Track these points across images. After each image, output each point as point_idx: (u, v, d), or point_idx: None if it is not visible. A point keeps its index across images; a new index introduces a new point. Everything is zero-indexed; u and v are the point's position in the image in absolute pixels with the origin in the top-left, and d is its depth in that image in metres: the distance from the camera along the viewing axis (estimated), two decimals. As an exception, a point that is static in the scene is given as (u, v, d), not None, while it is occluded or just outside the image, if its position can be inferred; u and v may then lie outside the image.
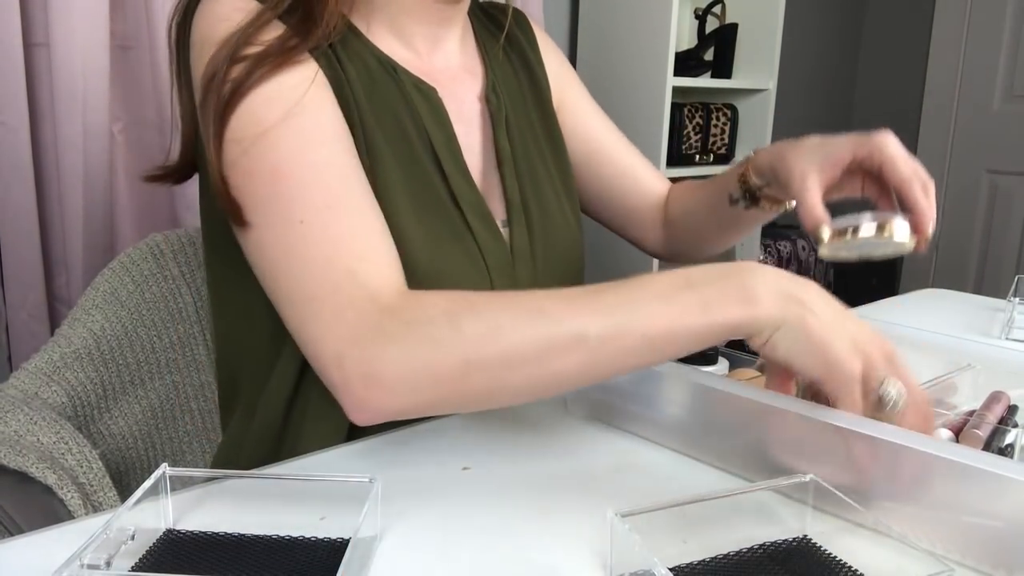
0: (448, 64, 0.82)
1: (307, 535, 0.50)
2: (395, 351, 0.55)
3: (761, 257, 2.46)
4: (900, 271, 3.15)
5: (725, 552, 0.49)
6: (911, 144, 3.08)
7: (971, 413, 0.61)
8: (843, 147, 0.67)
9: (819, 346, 0.52)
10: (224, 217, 0.64)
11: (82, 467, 0.72)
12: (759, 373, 0.66)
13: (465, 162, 0.76)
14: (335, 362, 0.56)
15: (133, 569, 0.46)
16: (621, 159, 0.97)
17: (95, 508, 0.70)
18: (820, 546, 0.50)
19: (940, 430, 0.59)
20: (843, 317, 0.54)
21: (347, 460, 0.62)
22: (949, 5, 2.94)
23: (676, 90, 2.10)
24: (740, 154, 2.41)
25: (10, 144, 1.27)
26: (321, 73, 0.67)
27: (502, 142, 0.81)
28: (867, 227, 0.60)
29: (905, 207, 0.64)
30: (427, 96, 0.76)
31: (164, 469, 0.51)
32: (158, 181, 0.75)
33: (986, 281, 2.92)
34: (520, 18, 0.94)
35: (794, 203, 0.71)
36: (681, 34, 2.41)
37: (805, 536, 0.51)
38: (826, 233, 0.62)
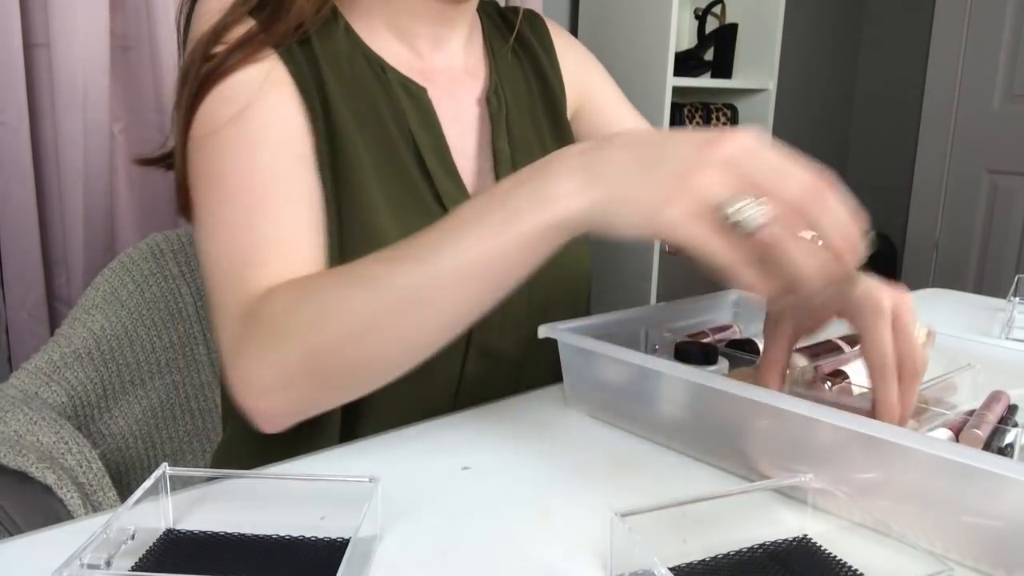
0: (450, 64, 0.81)
1: (307, 535, 0.50)
2: (250, 355, 0.55)
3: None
4: (900, 271, 3.15)
5: (725, 552, 0.49)
6: (911, 145, 3.08)
7: (971, 413, 0.61)
8: (830, 305, 0.57)
9: (639, 216, 0.45)
10: None
11: (82, 467, 0.72)
12: (759, 373, 0.66)
13: (454, 163, 0.76)
14: (225, 374, 0.58)
15: (133, 569, 0.46)
16: None
17: (95, 508, 0.70)
18: (820, 546, 0.50)
19: (940, 430, 0.59)
20: (657, 153, 0.45)
21: (347, 460, 0.62)
22: (949, 5, 2.94)
23: (676, 90, 2.10)
24: (740, 154, 2.41)
25: (10, 144, 1.27)
26: (279, 70, 0.67)
27: (499, 144, 0.80)
28: None
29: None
30: (415, 96, 0.75)
31: (164, 469, 0.51)
32: (150, 164, 0.76)
33: (986, 281, 2.92)
34: (536, 21, 0.93)
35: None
36: (681, 34, 2.41)
37: (805, 536, 0.51)
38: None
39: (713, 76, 2.34)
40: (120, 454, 0.88)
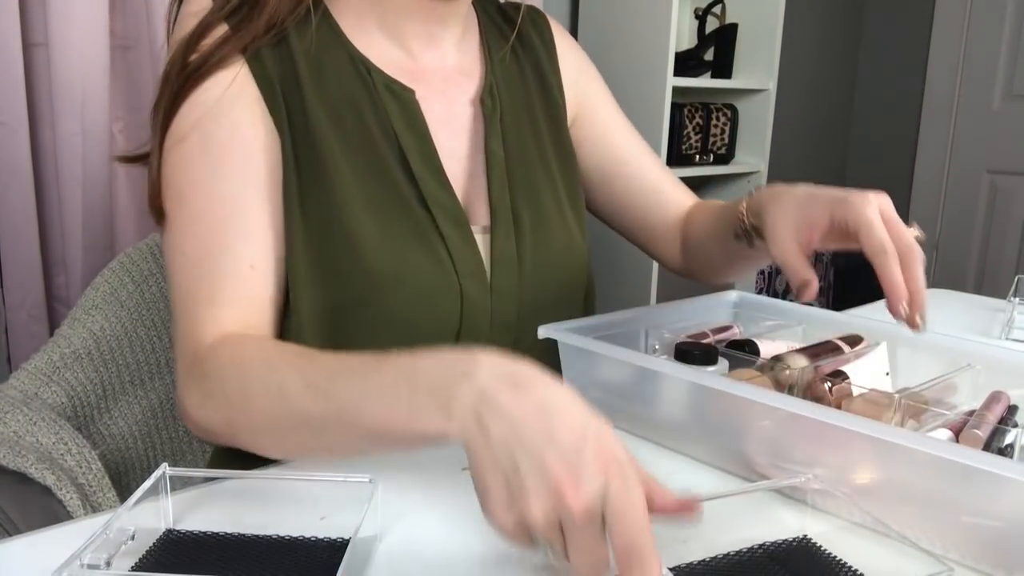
0: (443, 64, 0.80)
1: (307, 535, 0.50)
2: (190, 396, 0.62)
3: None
4: (900, 271, 3.15)
5: (725, 552, 0.49)
6: (911, 145, 3.08)
7: (971, 413, 0.61)
8: (822, 209, 0.63)
9: (478, 481, 0.44)
10: None
11: (81, 468, 0.72)
12: (759, 373, 0.66)
13: (441, 165, 0.75)
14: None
15: (133, 569, 0.46)
16: (644, 173, 0.94)
17: (94, 509, 0.70)
18: (820, 546, 0.50)
19: (940, 430, 0.59)
20: (527, 442, 0.42)
21: (347, 460, 0.62)
22: (949, 5, 2.94)
23: (676, 90, 2.09)
24: (740, 154, 2.41)
25: (9, 144, 1.27)
26: (245, 79, 0.69)
27: (492, 147, 0.79)
28: None
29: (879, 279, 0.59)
30: (401, 98, 0.75)
31: (164, 469, 0.51)
32: (132, 162, 0.76)
33: (986, 281, 2.92)
34: (539, 19, 0.91)
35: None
36: (681, 34, 2.41)
37: (805, 536, 0.51)
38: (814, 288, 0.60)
39: (713, 76, 2.34)
40: (120, 454, 0.88)
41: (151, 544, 0.48)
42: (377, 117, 0.73)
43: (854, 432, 0.50)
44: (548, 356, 0.78)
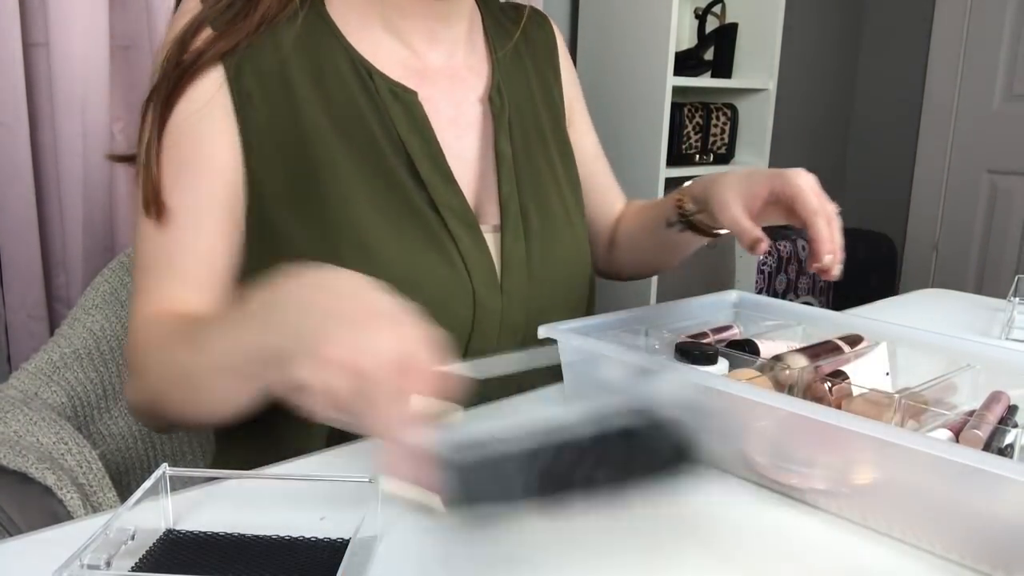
0: (449, 62, 0.80)
1: (307, 535, 0.50)
2: (127, 375, 0.70)
3: (761, 257, 2.46)
4: (900, 271, 3.15)
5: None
6: (911, 144, 3.08)
7: (971, 413, 0.61)
8: (762, 181, 0.71)
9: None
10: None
11: (82, 468, 0.72)
12: (759, 373, 0.66)
13: (449, 167, 0.75)
14: None
15: (133, 569, 0.46)
16: (601, 180, 0.98)
17: (95, 509, 0.70)
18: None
19: (940, 430, 0.59)
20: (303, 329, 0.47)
21: (347, 460, 0.62)
22: (949, 5, 2.94)
23: (676, 90, 2.09)
24: (740, 154, 2.41)
25: (9, 144, 1.27)
26: (221, 93, 0.69)
27: (502, 146, 0.79)
28: None
29: (810, 236, 0.68)
30: (404, 102, 0.74)
31: (164, 469, 0.51)
32: (124, 162, 0.78)
33: (986, 281, 2.92)
34: (544, 21, 0.92)
35: (724, 231, 0.78)
36: (681, 34, 2.41)
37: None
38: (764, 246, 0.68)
39: (713, 76, 2.34)
40: (120, 454, 0.88)
41: (151, 544, 0.48)
42: (381, 122, 0.73)
43: (854, 432, 0.50)
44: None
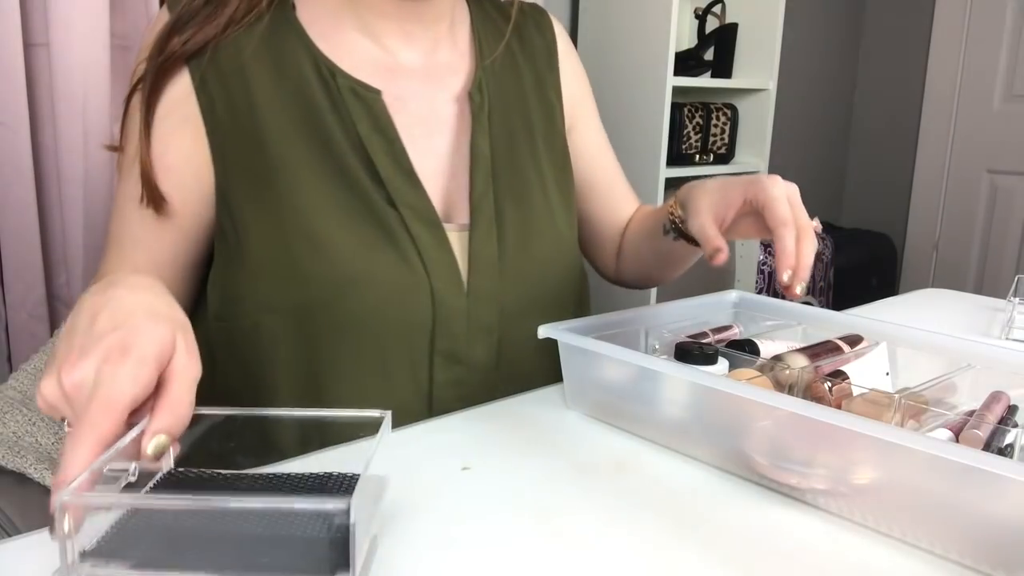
0: (425, 61, 0.80)
1: (314, 471, 0.49)
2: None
3: (761, 257, 2.46)
4: (900, 271, 3.15)
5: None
6: (911, 144, 3.08)
7: (971, 413, 0.61)
8: (738, 188, 0.69)
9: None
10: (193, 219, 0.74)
11: (82, 467, 0.72)
12: (759, 373, 0.66)
13: (411, 166, 0.75)
14: None
15: (132, 490, 0.45)
16: (612, 186, 0.96)
17: (95, 508, 0.70)
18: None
19: (940, 430, 0.59)
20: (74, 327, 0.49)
21: (347, 460, 0.62)
22: (949, 5, 2.94)
23: (676, 90, 2.09)
24: (740, 154, 2.41)
25: (10, 144, 1.27)
26: (187, 99, 0.72)
27: (478, 143, 0.79)
28: None
29: (774, 248, 0.65)
30: (365, 100, 0.74)
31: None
32: (116, 151, 0.78)
33: (986, 281, 2.92)
34: (542, 20, 0.91)
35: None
36: (681, 34, 2.41)
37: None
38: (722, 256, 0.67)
39: (713, 76, 2.34)
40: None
41: (152, 483, 0.48)
42: (341, 121, 0.73)
43: (854, 432, 0.50)
44: (535, 359, 0.78)
